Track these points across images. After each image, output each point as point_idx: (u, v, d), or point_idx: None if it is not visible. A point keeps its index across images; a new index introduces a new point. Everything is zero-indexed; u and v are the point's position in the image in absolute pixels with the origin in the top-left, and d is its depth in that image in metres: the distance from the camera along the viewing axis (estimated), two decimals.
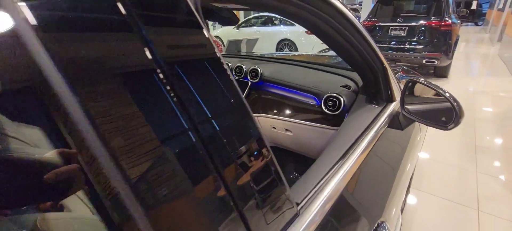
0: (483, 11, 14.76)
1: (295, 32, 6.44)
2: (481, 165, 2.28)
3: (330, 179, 0.59)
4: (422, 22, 4.31)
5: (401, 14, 4.62)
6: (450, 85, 4.44)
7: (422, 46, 4.32)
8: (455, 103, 0.80)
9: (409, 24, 4.39)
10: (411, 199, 1.91)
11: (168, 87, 0.29)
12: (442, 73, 4.78)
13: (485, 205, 1.84)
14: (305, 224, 0.47)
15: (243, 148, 0.36)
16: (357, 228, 0.63)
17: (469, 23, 14.78)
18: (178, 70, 0.30)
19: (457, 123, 0.79)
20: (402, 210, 1.55)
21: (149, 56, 0.28)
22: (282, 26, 6.89)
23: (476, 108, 3.48)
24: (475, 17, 14.67)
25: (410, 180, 1.64)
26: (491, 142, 2.68)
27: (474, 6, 14.14)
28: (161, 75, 0.29)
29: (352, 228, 0.62)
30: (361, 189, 0.69)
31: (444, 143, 2.65)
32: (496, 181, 2.09)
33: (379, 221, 0.69)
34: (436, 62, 4.28)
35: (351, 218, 0.64)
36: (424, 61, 4.34)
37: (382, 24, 4.67)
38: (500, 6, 8.97)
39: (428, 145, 2.56)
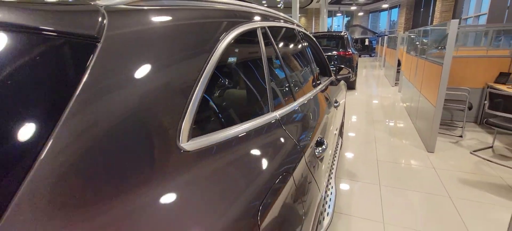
0: (374, 46, 19.61)
1: None
2: (376, 128, 4.07)
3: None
4: (334, 52, 6.44)
5: (321, 47, 6.73)
6: (357, 93, 6.59)
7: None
8: (351, 72, 2.33)
9: (327, 54, 6.47)
10: (342, 155, 3.46)
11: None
12: (351, 86, 6.99)
13: (378, 142, 3.53)
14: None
15: None
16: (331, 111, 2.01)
17: (366, 55, 19.43)
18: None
19: (352, 77, 2.31)
20: (342, 134, 3.04)
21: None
22: None
23: (372, 104, 5.55)
24: (369, 50, 19.43)
25: (343, 122, 3.15)
26: (380, 118, 4.59)
27: (367, 43, 18.79)
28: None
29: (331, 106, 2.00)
30: (321, 103, 2.10)
31: (359, 121, 4.43)
32: (383, 132, 3.86)
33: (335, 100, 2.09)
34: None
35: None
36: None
37: None
38: (383, 43, 12.68)
39: (351, 126, 4.28)
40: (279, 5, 22.33)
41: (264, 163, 0.70)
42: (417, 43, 4.62)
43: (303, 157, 0.90)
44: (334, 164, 1.95)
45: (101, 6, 0.49)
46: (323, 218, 1.25)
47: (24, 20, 0.39)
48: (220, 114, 0.76)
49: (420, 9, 17.35)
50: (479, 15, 10.69)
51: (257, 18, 1.02)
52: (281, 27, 1.32)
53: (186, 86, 0.57)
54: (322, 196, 1.07)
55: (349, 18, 27.74)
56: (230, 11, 0.85)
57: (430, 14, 15.85)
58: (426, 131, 3.30)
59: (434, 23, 14.01)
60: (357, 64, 7.06)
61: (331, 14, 25.43)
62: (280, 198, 0.66)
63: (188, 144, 0.54)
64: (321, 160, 1.13)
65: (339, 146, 2.62)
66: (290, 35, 1.54)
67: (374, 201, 2.21)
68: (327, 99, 1.81)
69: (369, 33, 21.51)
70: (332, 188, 1.67)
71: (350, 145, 3.44)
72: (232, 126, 0.71)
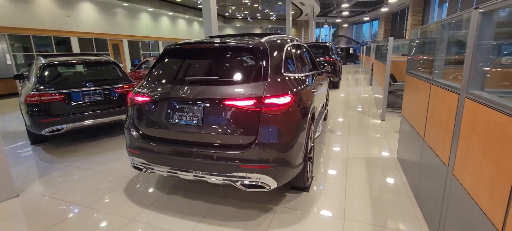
0: (358, 55, 21.70)
1: None
2: (351, 110, 5.79)
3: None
4: (321, 58, 8.20)
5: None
6: (340, 91, 8.35)
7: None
8: (330, 68, 4.01)
9: (317, 60, 8.24)
10: (325, 124, 5.12)
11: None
12: (336, 85, 8.76)
13: (351, 117, 5.22)
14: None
15: None
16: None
17: (351, 62, 21.49)
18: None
19: (339, 75, 3.98)
20: (327, 105, 4.73)
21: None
22: None
23: (350, 97, 7.30)
24: (354, 58, 21.52)
25: (327, 96, 4.83)
26: (354, 105, 6.32)
27: (351, 51, 20.87)
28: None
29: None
30: (315, 79, 3.76)
31: (339, 107, 6.15)
32: (355, 112, 5.57)
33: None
34: (332, 78, 8.17)
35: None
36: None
37: None
38: (363, 53, 14.67)
39: (332, 111, 6.01)
40: (271, 17, 24.32)
41: (305, 82, 2.44)
42: (379, 51, 6.42)
43: (313, 88, 2.61)
44: (321, 116, 3.64)
45: (262, 41, 2.16)
46: (316, 131, 2.93)
47: (255, 46, 2.05)
48: (286, 68, 2.38)
49: (396, 21, 19.63)
50: None
51: (292, 39, 2.76)
52: (299, 44, 3.08)
53: (280, 59, 2.24)
54: (314, 107, 2.71)
55: (335, 28, 30.06)
56: (288, 38, 2.63)
57: (405, 26, 18.09)
58: (380, 107, 5.02)
59: (406, 33, 16.17)
60: (340, 68, 8.86)
61: (318, 25, 27.63)
62: (308, 91, 2.39)
63: (284, 74, 2.18)
64: (314, 94, 2.82)
65: (324, 112, 4.30)
66: (301, 46, 3.29)
67: (343, 140, 3.88)
68: (317, 79, 3.51)
69: (353, 42, 23.70)
70: (320, 127, 3.35)
71: (331, 120, 5.14)
72: (291, 72, 2.37)
